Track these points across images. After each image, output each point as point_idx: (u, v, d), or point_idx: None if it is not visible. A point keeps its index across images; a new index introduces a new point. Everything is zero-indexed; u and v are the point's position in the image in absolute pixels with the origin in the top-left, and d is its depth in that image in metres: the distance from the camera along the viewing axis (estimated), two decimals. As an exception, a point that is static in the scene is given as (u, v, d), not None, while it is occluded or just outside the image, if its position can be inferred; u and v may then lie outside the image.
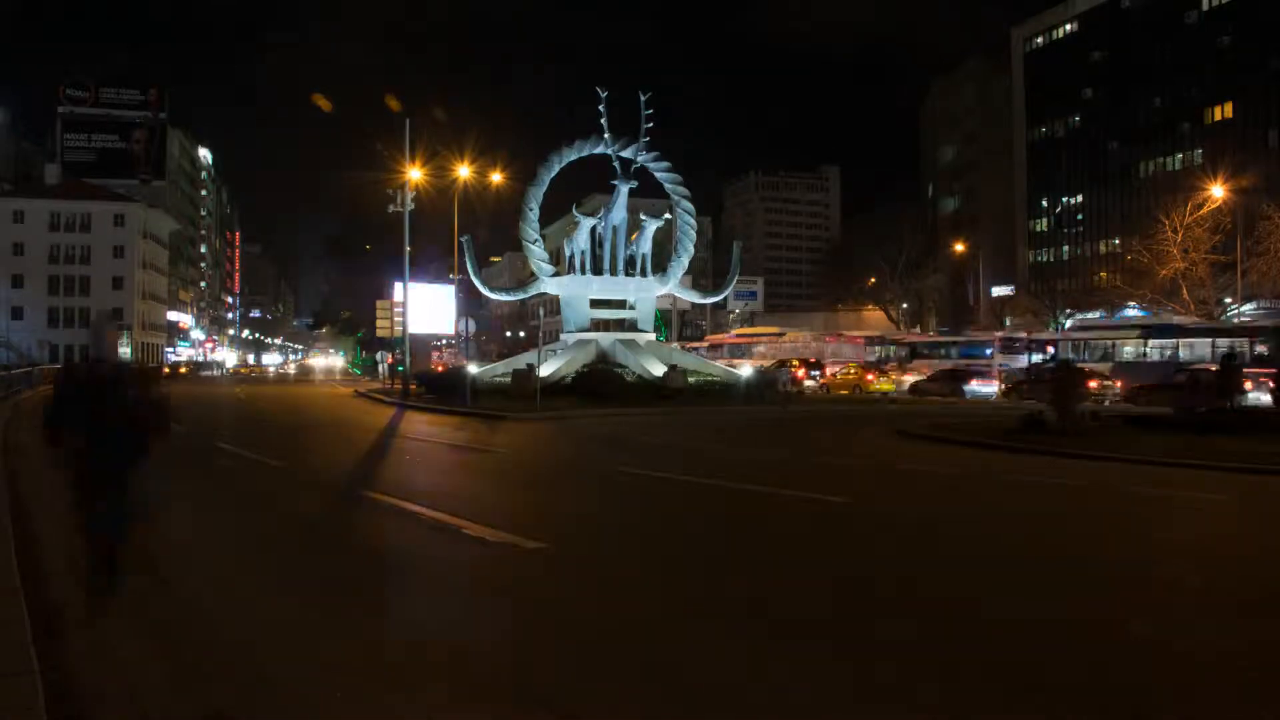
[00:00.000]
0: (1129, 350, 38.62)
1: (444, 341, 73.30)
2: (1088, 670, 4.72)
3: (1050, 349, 41.46)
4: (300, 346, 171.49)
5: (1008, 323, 74.62)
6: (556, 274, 38.24)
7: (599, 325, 37.31)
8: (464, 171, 40.51)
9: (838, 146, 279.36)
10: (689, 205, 39.09)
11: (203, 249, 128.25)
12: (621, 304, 37.65)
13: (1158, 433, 16.94)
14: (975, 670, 4.72)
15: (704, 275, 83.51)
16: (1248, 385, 21.76)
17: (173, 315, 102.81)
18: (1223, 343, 32.69)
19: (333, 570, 7.08)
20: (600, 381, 31.42)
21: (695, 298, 48.34)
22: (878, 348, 52.17)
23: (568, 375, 33.57)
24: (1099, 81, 78.19)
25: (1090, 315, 69.68)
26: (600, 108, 35.84)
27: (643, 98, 36.41)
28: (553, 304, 60.57)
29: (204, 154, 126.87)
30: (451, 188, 40.98)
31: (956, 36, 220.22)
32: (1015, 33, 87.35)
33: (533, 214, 36.86)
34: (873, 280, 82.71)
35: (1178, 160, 70.82)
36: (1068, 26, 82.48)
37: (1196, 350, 34.77)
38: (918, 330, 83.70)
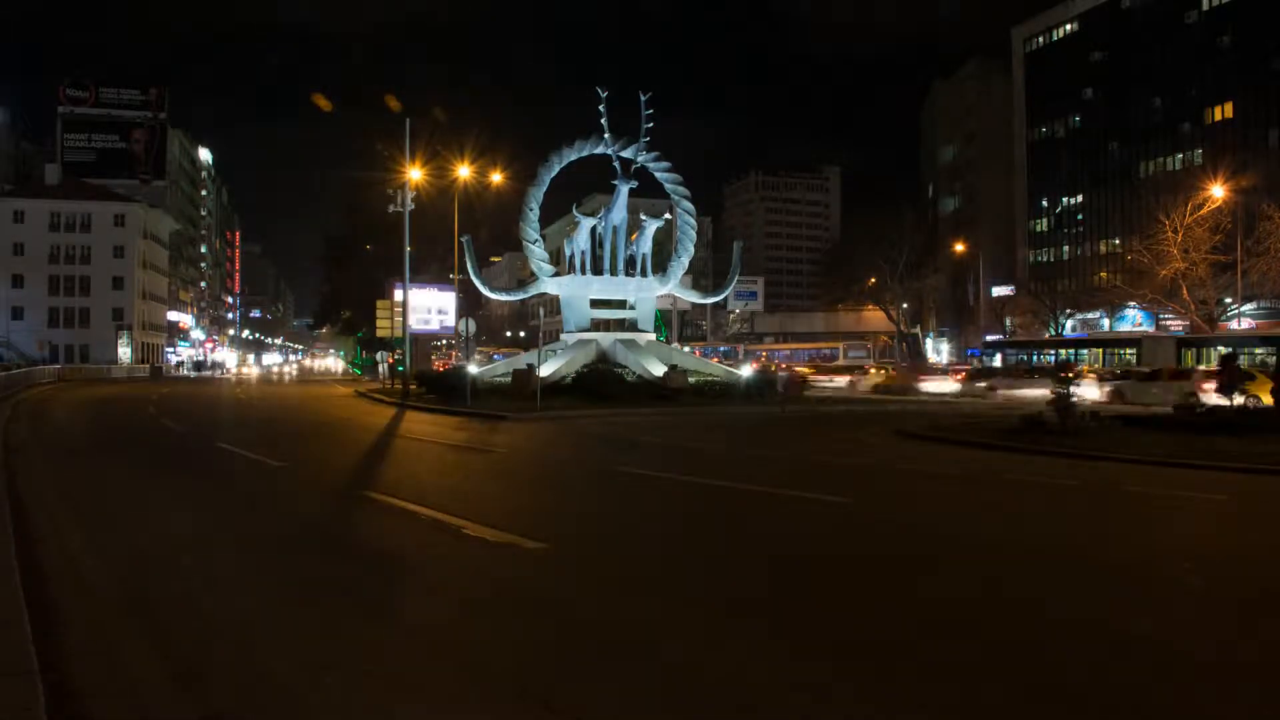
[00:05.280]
0: None
1: (444, 342, 73.28)
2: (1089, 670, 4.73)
3: None
4: (300, 346, 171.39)
5: (1008, 323, 74.68)
6: (556, 274, 38.22)
7: (599, 325, 37.27)
8: (464, 171, 40.56)
9: (838, 146, 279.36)
10: (689, 205, 39.06)
11: (203, 249, 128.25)
12: (621, 304, 37.62)
13: (1158, 432, 16.91)
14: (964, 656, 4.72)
15: (704, 275, 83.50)
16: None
17: (173, 315, 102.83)
18: None
19: (333, 570, 7.08)
20: (600, 381, 31.38)
21: (695, 298, 48.34)
22: None
23: (568, 375, 33.54)
24: (1099, 81, 78.15)
25: (1090, 315, 69.77)
26: (600, 108, 35.81)
27: (643, 98, 36.37)
28: (553, 304, 60.58)
29: (204, 154, 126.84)
30: (451, 188, 41.02)
31: (956, 36, 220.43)
32: (1015, 33, 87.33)
33: (533, 214, 36.83)
34: (873, 280, 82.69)
35: (1178, 160, 70.76)
36: (1068, 26, 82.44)
37: None
38: (918, 330, 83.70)
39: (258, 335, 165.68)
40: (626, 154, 36.71)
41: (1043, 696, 4.36)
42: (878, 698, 4.34)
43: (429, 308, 44.75)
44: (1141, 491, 11.38)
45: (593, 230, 37.08)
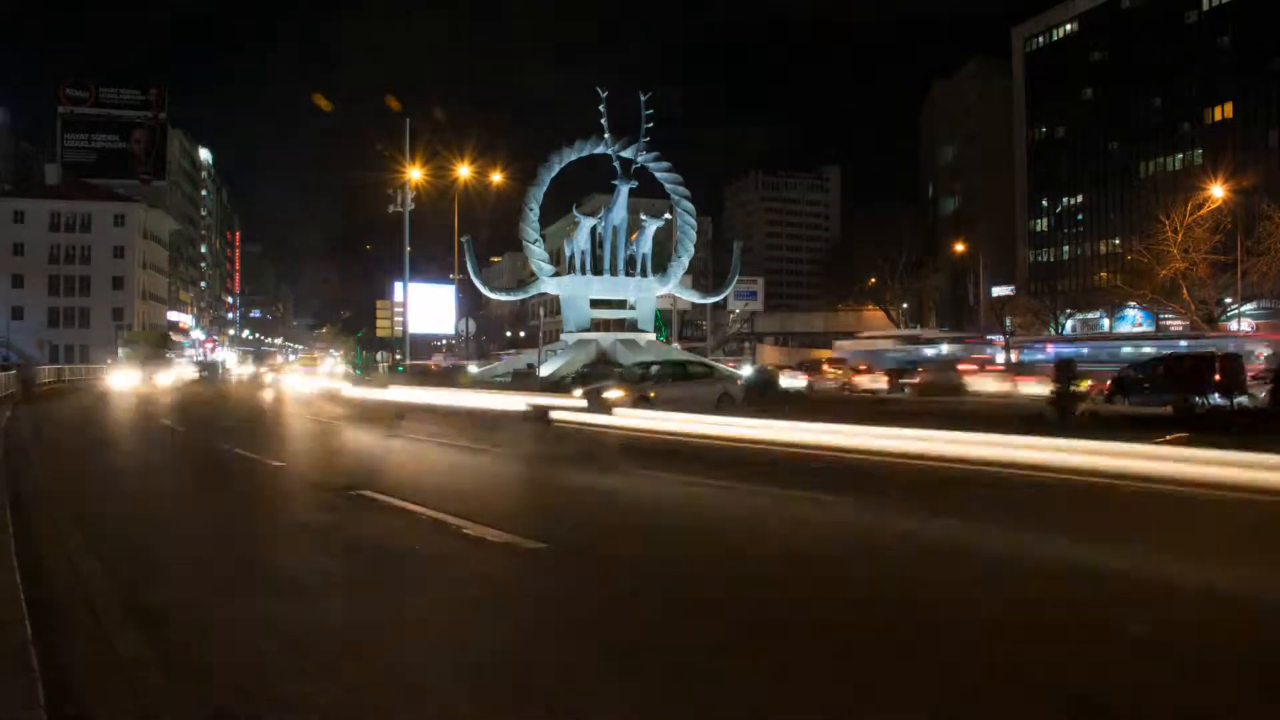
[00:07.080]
0: None
1: (444, 342, 73.33)
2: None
3: None
4: (300, 346, 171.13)
5: (1008, 323, 74.77)
6: (556, 274, 38.26)
7: (599, 325, 37.31)
8: (464, 172, 40.65)
9: (838, 146, 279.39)
10: (689, 205, 39.11)
11: (203, 249, 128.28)
12: (622, 304, 37.66)
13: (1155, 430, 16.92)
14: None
15: (704, 275, 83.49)
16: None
17: (173, 315, 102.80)
18: None
19: (333, 571, 7.08)
20: (601, 381, 31.41)
21: (695, 298, 48.38)
22: None
23: (568, 375, 33.57)
24: (1099, 81, 78.24)
25: (1090, 315, 69.83)
26: (600, 108, 35.89)
27: (643, 98, 36.48)
28: (553, 304, 60.59)
29: (204, 154, 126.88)
30: (452, 188, 41.12)
31: (956, 36, 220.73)
32: (1015, 32, 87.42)
33: (533, 214, 36.88)
34: (873, 280, 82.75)
35: (1178, 160, 70.85)
36: (1068, 26, 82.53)
37: None
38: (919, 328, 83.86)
39: (258, 335, 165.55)
40: (626, 154, 36.78)
41: None
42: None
43: (429, 308, 44.81)
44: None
45: (593, 230, 37.12)
